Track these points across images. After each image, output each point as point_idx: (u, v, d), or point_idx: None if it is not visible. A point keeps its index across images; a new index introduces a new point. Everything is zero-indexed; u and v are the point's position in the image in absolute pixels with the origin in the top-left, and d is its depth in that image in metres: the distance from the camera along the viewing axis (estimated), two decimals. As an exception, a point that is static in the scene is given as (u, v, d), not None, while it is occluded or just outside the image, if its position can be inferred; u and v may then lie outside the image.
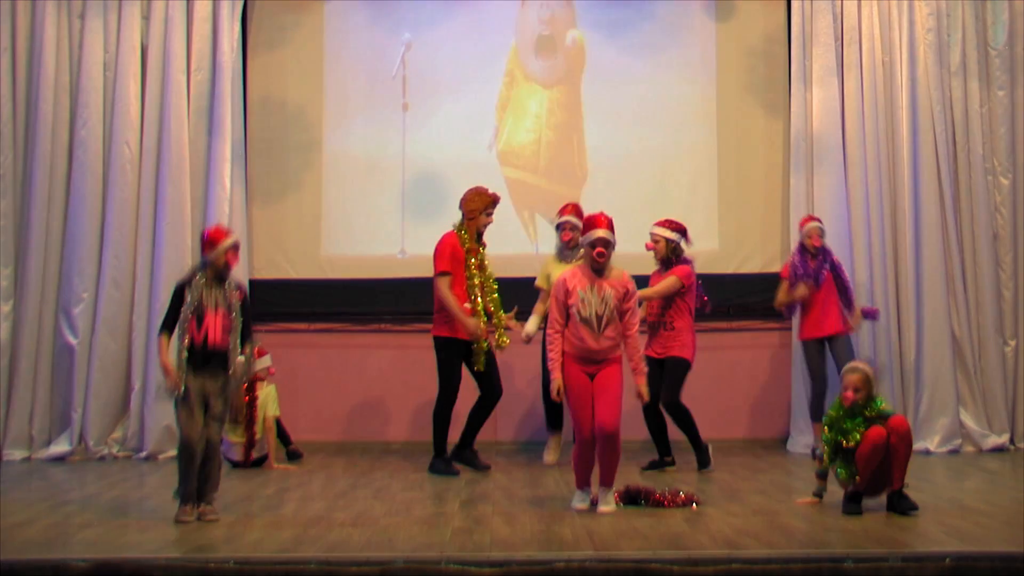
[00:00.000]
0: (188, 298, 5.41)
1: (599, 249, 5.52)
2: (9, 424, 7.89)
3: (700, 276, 7.21)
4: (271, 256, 8.63)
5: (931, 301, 8.06)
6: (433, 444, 7.02)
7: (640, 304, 7.17)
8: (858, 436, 5.39)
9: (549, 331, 5.59)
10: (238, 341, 5.46)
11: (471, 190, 7.15)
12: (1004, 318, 8.20)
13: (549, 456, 7.38)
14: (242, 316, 5.50)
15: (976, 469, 7.23)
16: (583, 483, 5.59)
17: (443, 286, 6.89)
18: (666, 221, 7.14)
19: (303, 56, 8.74)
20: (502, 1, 8.78)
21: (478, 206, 7.04)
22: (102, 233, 8.04)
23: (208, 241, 5.55)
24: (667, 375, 6.95)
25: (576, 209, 7.37)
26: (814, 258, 7.58)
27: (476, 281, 7.00)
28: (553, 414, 7.42)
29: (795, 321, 7.88)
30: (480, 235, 7.07)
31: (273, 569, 4.38)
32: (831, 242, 8.04)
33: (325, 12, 8.76)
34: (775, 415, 8.44)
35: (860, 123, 8.24)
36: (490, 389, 7.07)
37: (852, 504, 5.39)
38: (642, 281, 7.20)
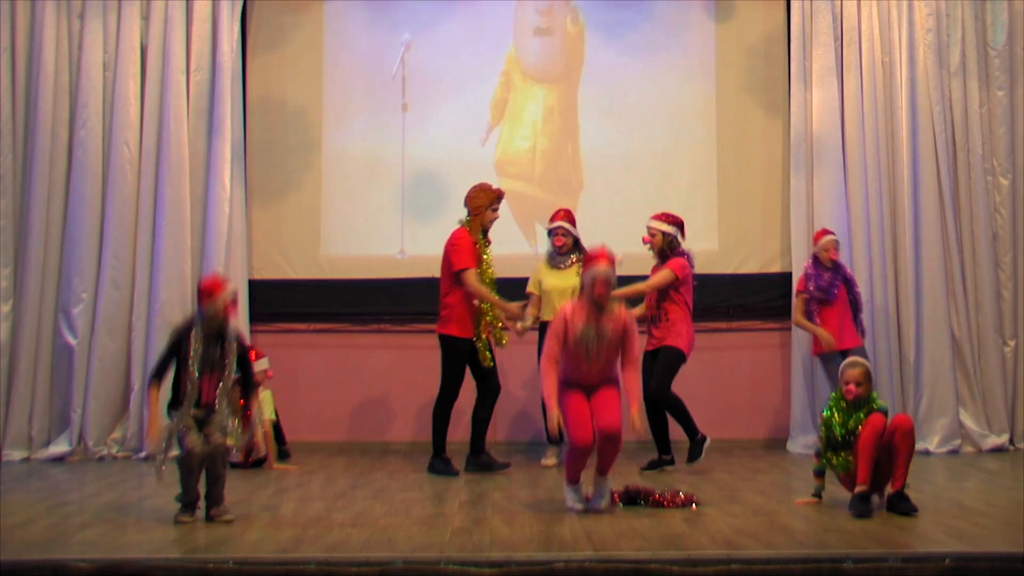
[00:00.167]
0: (184, 351, 5.26)
1: (600, 290, 5.40)
2: (8, 424, 7.89)
3: (700, 276, 7.22)
4: (270, 256, 8.63)
5: (930, 301, 8.07)
6: (432, 443, 7.02)
7: (637, 304, 7.21)
8: (851, 425, 5.39)
9: (544, 362, 5.48)
10: (236, 399, 5.38)
11: (476, 187, 7.16)
12: (1003, 318, 8.20)
13: (548, 460, 7.38)
14: (240, 370, 5.41)
15: (976, 469, 7.23)
16: (574, 479, 5.58)
17: (473, 279, 6.90)
18: (662, 215, 7.15)
19: (303, 56, 8.74)
20: (502, 1, 8.78)
21: (484, 202, 7.04)
22: (101, 233, 8.04)
23: (205, 293, 5.36)
24: (658, 364, 6.95)
25: (568, 215, 7.39)
26: (827, 271, 7.54)
27: (486, 279, 7.02)
28: None
29: (807, 336, 7.85)
30: (486, 232, 7.07)
31: (272, 569, 4.38)
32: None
33: (325, 12, 8.76)
34: (775, 415, 8.45)
35: (860, 123, 8.24)
36: (489, 387, 7.06)
37: (862, 504, 5.32)
38: (644, 280, 7.23)
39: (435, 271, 8.37)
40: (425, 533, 4.99)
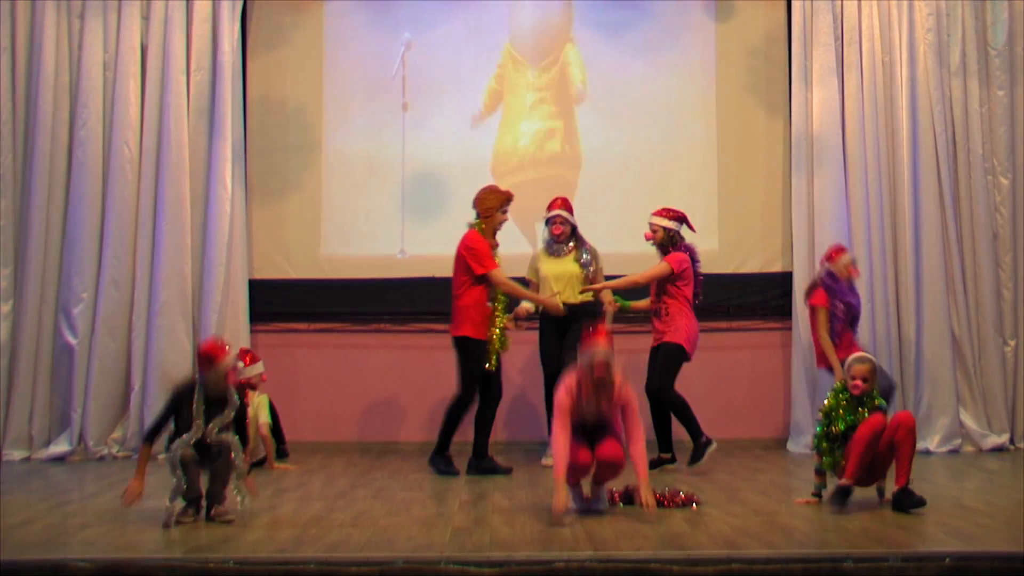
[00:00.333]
0: (185, 416, 5.22)
1: (599, 372, 5.32)
2: (9, 424, 7.89)
3: (700, 275, 7.21)
4: (270, 256, 8.63)
5: (931, 301, 8.07)
6: (439, 439, 6.98)
7: (628, 303, 7.21)
8: (848, 422, 5.40)
9: (554, 441, 5.32)
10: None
11: (486, 188, 7.16)
12: (1004, 318, 8.20)
13: (548, 460, 7.38)
14: (237, 431, 5.35)
15: (976, 469, 7.23)
16: (573, 484, 5.55)
17: (503, 277, 6.92)
18: (663, 210, 7.17)
19: (303, 56, 8.74)
20: (501, 1, 8.78)
21: (494, 204, 7.04)
22: (102, 233, 8.04)
23: (204, 360, 5.28)
24: (659, 361, 6.97)
25: (565, 203, 7.39)
26: (851, 289, 7.27)
27: None
28: None
29: (807, 335, 7.83)
30: (494, 233, 7.07)
31: (272, 569, 4.38)
32: (831, 242, 8.06)
33: (325, 12, 8.76)
34: (775, 415, 8.45)
35: (860, 123, 8.24)
36: (492, 391, 7.06)
37: (841, 498, 5.38)
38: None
39: (435, 271, 8.43)
40: (425, 533, 4.98)
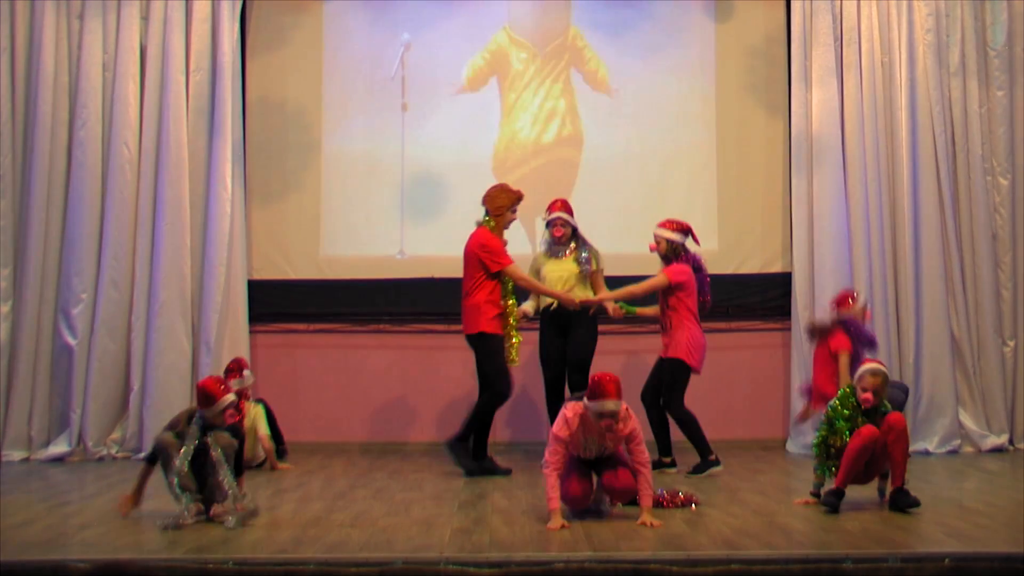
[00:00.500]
0: (184, 450, 5.27)
1: (607, 422, 5.21)
2: (8, 425, 7.89)
3: (708, 285, 7.22)
4: (270, 256, 8.63)
5: (930, 301, 8.07)
6: (475, 444, 6.90)
7: (633, 308, 7.21)
8: (847, 436, 5.41)
9: (545, 471, 5.24)
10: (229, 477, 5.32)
11: (496, 187, 7.15)
12: (1003, 318, 8.20)
13: None
14: (233, 462, 5.37)
15: (975, 470, 7.23)
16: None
17: (521, 272, 6.94)
18: (668, 222, 7.16)
19: (302, 56, 8.73)
20: (501, 1, 8.78)
21: (505, 203, 7.03)
22: (101, 234, 8.04)
23: (204, 397, 5.34)
24: (664, 378, 7.01)
25: (565, 205, 7.37)
26: (866, 330, 7.07)
27: (510, 284, 7.01)
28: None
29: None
30: (503, 232, 7.06)
31: (272, 570, 4.38)
32: (830, 243, 8.09)
33: (324, 13, 8.76)
34: (774, 416, 8.45)
35: (860, 123, 8.24)
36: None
37: (834, 499, 5.40)
38: (641, 280, 7.24)
39: (435, 271, 8.44)
40: (424, 533, 4.99)
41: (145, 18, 8.20)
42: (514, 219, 7.11)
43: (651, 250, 7.18)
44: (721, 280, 8.15)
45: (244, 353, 8.20)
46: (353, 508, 5.70)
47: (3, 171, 8.01)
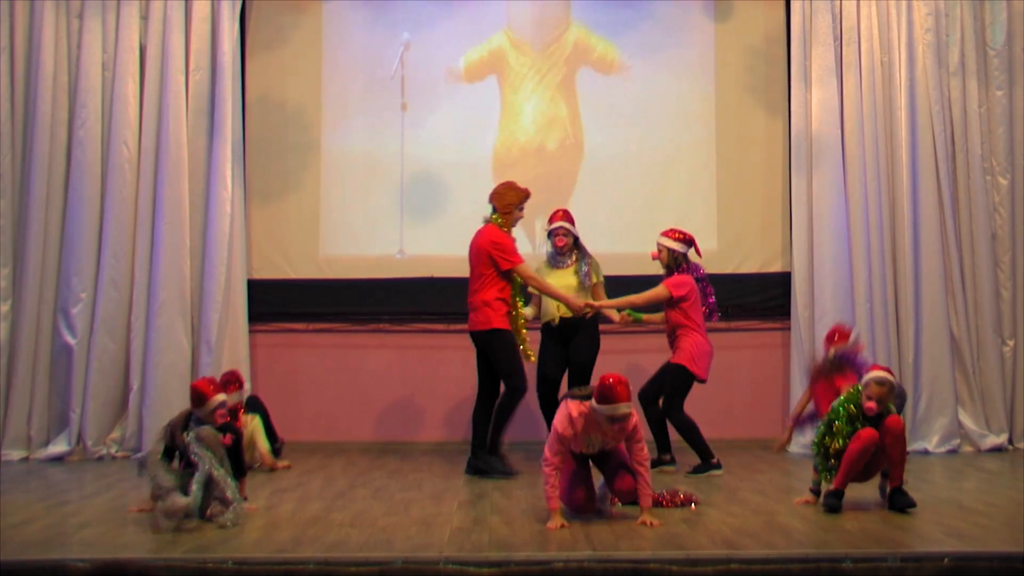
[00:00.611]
0: (179, 448, 5.38)
1: (620, 426, 5.19)
2: (7, 424, 7.89)
3: (711, 296, 7.23)
4: (269, 256, 8.62)
5: (929, 301, 8.07)
6: (491, 441, 6.85)
7: (640, 314, 7.22)
8: (844, 440, 5.41)
9: (546, 468, 5.20)
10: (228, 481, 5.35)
11: (504, 185, 7.13)
12: (1002, 318, 8.20)
13: None
14: (232, 458, 5.45)
15: (974, 469, 7.23)
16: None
17: (531, 271, 6.92)
18: (671, 231, 7.17)
19: (302, 56, 8.73)
20: (501, 1, 8.78)
21: (513, 200, 7.02)
22: (100, 233, 8.04)
23: (195, 396, 5.48)
24: (666, 384, 7.03)
25: (567, 215, 7.35)
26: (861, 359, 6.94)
27: (517, 284, 7.00)
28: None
29: (806, 336, 7.85)
30: (510, 230, 7.04)
31: (272, 569, 4.38)
32: (830, 242, 8.09)
33: (323, 12, 8.75)
34: (773, 415, 8.44)
35: (859, 123, 8.24)
36: (493, 391, 7.01)
37: (834, 500, 5.42)
38: (643, 281, 7.24)
39: (434, 271, 8.43)
40: (424, 533, 4.99)
41: (144, 17, 8.19)
42: (521, 217, 7.10)
43: (652, 258, 7.19)
44: (720, 279, 8.15)
45: (243, 352, 8.22)
46: (353, 508, 5.70)
47: (2, 170, 8.00)
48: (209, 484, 5.24)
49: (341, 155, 8.68)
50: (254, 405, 7.47)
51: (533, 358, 7.05)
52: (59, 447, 7.87)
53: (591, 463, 5.53)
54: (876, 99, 8.27)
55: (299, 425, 8.29)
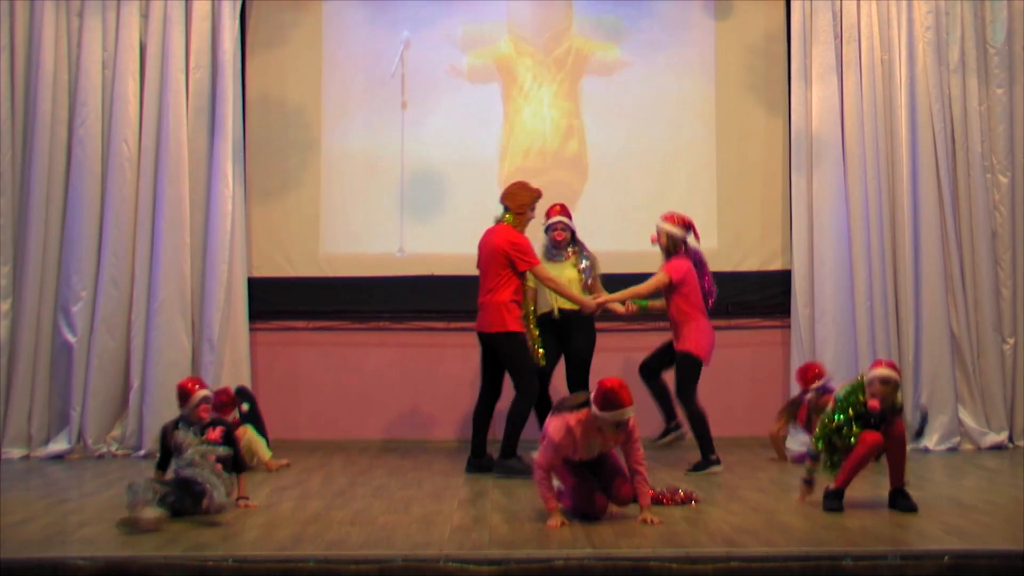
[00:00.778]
0: (173, 447, 5.52)
1: (622, 429, 5.18)
2: (7, 422, 7.89)
3: (709, 279, 7.23)
4: (270, 255, 8.62)
5: (929, 299, 8.07)
6: (504, 445, 6.78)
7: (645, 302, 7.22)
8: (852, 440, 5.39)
9: (539, 473, 5.19)
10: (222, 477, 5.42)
11: (516, 185, 7.11)
12: (1003, 316, 8.20)
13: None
14: (229, 449, 5.53)
15: (974, 467, 7.23)
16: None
17: (548, 272, 6.91)
18: (671, 215, 7.18)
19: (302, 55, 8.73)
20: (501, 1, 8.77)
21: (527, 200, 7.01)
22: (101, 232, 8.04)
23: (180, 394, 5.64)
24: (676, 373, 7.04)
25: (564, 210, 7.37)
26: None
27: (529, 284, 7.00)
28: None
29: (807, 335, 7.95)
30: (523, 230, 7.02)
31: (271, 567, 4.38)
32: (830, 240, 8.08)
33: (324, 11, 8.75)
34: (774, 413, 8.37)
35: (859, 121, 8.24)
36: (498, 391, 7.02)
37: (835, 500, 5.41)
38: (645, 278, 7.23)
39: (434, 269, 8.43)
40: (424, 531, 4.99)
41: (145, 16, 8.19)
42: (532, 217, 7.08)
43: (652, 242, 7.19)
44: (720, 278, 8.13)
45: (244, 350, 8.22)
46: (353, 506, 5.70)
47: (3, 169, 8.00)
48: (190, 482, 5.29)
49: (341, 153, 8.68)
50: (244, 395, 7.49)
51: (543, 363, 7.04)
52: (59, 445, 7.87)
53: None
54: (876, 97, 8.27)
55: (299, 423, 8.29)
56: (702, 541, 4.74)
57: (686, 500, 5.65)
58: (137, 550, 4.62)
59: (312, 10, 8.74)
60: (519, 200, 6.99)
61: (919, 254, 8.10)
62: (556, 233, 7.31)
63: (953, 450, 7.95)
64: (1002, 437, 8.08)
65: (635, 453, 5.26)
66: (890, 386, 5.40)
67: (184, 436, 5.49)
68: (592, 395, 5.14)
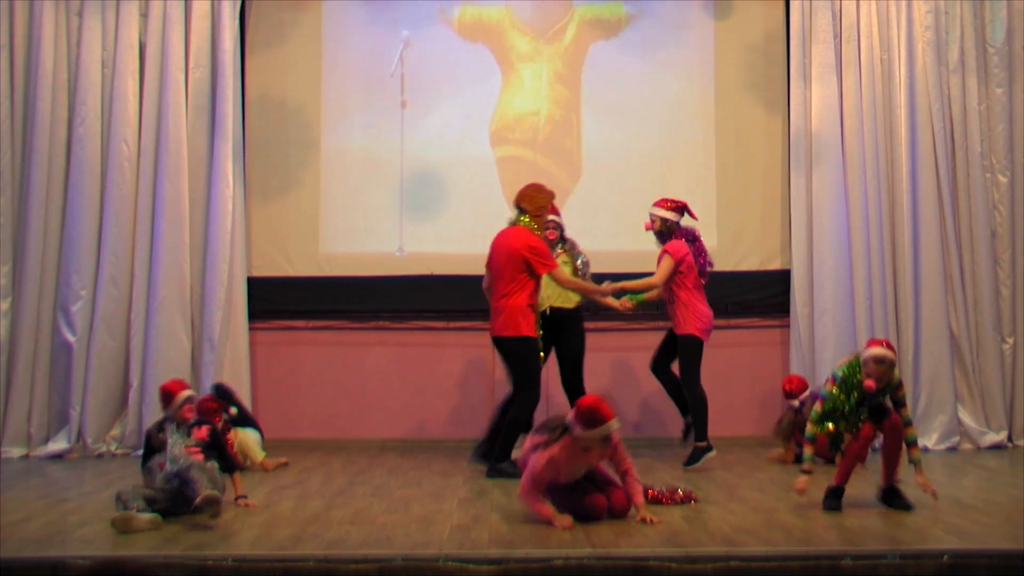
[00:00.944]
0: (158, 447, 5.51)
1: (608, 442, 5.15)
2: (7, 422, 7.89)
3: (703, 255, 7.21)
4: (269, 254, 8.62)
5: (929, 299, 8.07)
6: (501, 447, 6.73)
7: (640, 295, 7.21)
8: (859, 422, 5.35)
9: (526, 499, 5.18)
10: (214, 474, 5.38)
11: (532, 187, 7.05)
12: (1002, 316, 8.20)
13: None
14: (217, 450, 5.54)
15: (974, 467, 7.23)
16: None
17: (566, 274, 6.89)
18: (663, 200, 7.21)
19: (301, 54, 8.72)
20: (501, 1, 8.77)
21: (544, 202, 6.97)
22: (100, 231, 8.04)
23: (163, 395, 5.69)
24: (679, 357, 7.05)
25: (554, 208, 7.31)
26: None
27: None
28: None
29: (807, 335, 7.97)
30: (541, 233, 7.00)
31: (271, 567, 4.38)
32: (829, 240, 8.08)
33: (323, 10, 8.74)
34: (773, 412, 8.41)
35: (859, 120, 8.24)
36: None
37: (833, 500, 5.41)
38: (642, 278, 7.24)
39: (434, 268, 8.43)
40: (424, 530, 4.99)
41: (144, 15, 8.19)
42: (546, 219, 7.05)
43: (646, 228, 7.18)
44: (720, 277, 8.15)
45: (243, 350, 8.22)
46: (352, 505, 5.70)
47: (2, 168, 8.00)
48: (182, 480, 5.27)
49: (341, 153, 8.68)
50: (223, 394, 7.48)
51: (544, 362, 7.03)
52: (59, 444, 7.87)
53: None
54: (876, 97, 8.27)
55: (299, 422, 8.29)
56: (702, 541, 4.74)
57: (685, 500, 5.65)
58: (136, 550, 4.62)
59: (311, 10, 8.74)
60: (537, 202, 6.95)
61: (918, 253, 8.11)
62: (549, 232, 7.29)
63: (952, 449, 7.96)
64: (1001, 436, 8.08)
65: (623, 461, 5.25)
66: (885, 365, 5.33)
67: (171, 436, 5.46)
68: (572, 417, 5.09)
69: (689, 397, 7.02)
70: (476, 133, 8.69)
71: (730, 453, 7.48)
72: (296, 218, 8.65)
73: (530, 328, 6.75)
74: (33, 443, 7.91)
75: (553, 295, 7.16)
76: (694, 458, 6.92)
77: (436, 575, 4.33)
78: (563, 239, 7.39)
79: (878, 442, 5.47)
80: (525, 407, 6.76)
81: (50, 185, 8.02)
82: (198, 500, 5.10)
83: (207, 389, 7.67)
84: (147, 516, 5.06)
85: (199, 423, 5.61)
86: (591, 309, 7.41)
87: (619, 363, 8.34)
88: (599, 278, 7.30)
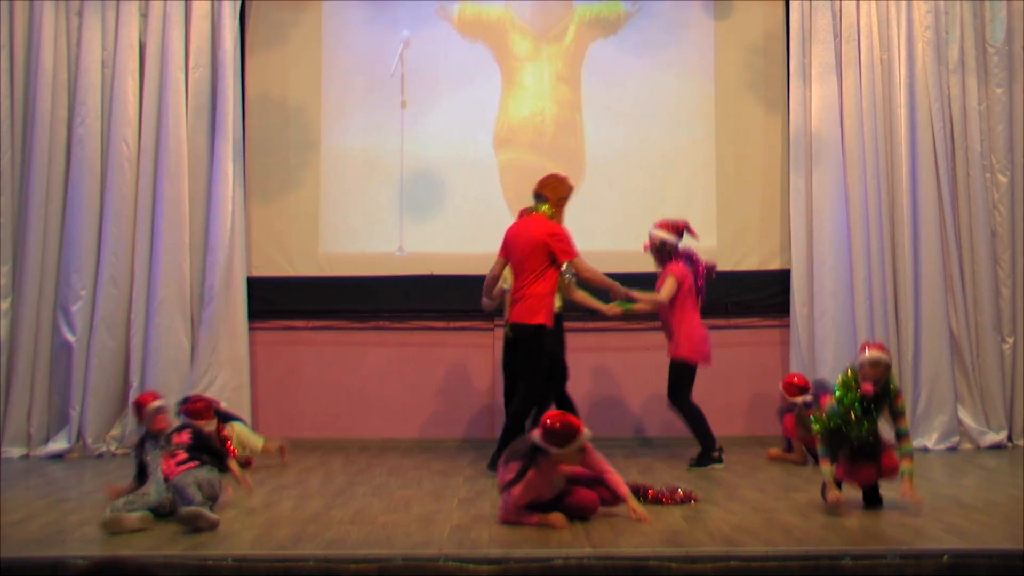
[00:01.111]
0: (141, 459, 5.60)
1: (582, 452, 5.17)
2: (7, 422, 7.89)
3: (701, 281, 7.23)
4: (269, 254, 8.62)
5: (929, 299, 8.07)
6: (500, 446, 6.61)
7: (630, 304, 7.20)
8: (864, 432, 5.33)
9: (509, 518, 5.15)
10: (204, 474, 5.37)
11: (553, 177, 7.07)
12: (1002, 315, 8.20)
13: None
14: (203, 450, 5.52)
15: (974, 466, 7.23)
16: None
17: (587, 263, 6.81)
18: (663, 222, 7.21)
19: (301, 54, 8.72)
20: (502, 0, 8.78)
21: (565, 193, 6.99)
22: (100, 231, 8.04)
23: (135, 409, 5.86)
24: (669, 376, 7.05)
25: None
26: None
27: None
28: None
29: (807, 334, 7.95)
30: (561, 222, 6.98)
31: (271, 567, 4.38)
32: (829, 240, 8.08)
33: (323, 10, 8.74)
34: (773, 412, 8.41)
35: (859, 120, 8.24)
36: (557, 373, 7.02)
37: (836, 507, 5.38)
38: (644, 278, 7.24)
39: (434, 268, 8.43)
40: (424, 530, 4.99)
41: (144, 15, 8.19)
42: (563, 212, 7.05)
43: (644, 249, 7.20)
44: (720, 277, 8.16)
45: (243, 350, 8.22)
46: (352, 505, 5.70)
47: (2, 168, 8.00)
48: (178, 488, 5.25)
49: (341, 153, 8.68)
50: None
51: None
52: (59, 444, 7.87)
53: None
54: (875, 96, 8.27)
55: (298, 422, 8.29)
56: (702, 540, 4.74)
57: (685, 499, 5.65)
58: (136, 549, 4.62)
59: (311, 10, 8.74)
60: (559, 192, 6.96)
61: (918, 253, 8.11)
62: None
63: (952, 449, 7.95)
64: (1001, 436, 8.08)
65: (598, 464, 5.26)
66: (880, 367, 5.34)
67: (150, 456, 5.50)
68: (541, 439, 5.05)
69: (681, 412, 7.02)
70: (476, 133, 8.69)
71: (730, 453, 7.47)
72: (296, 218, 8.65)
73: (547, 318, 6.70)
74: (33, 443, 7.91)
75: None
76: (701, 462, 6.93)
77: (436, 575, 4.33)
78: None
79: None
80: (525, 403, 6.74)
81: (50, 185, 8.02)
82: (181, 512, 5.05)
83: (207, 390, 7.67)
84: (137, 515, 5.06)
85: (179, 428, 5.62)
86: (570, 308, 7.38)
87: (619, 363, 8.34)
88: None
